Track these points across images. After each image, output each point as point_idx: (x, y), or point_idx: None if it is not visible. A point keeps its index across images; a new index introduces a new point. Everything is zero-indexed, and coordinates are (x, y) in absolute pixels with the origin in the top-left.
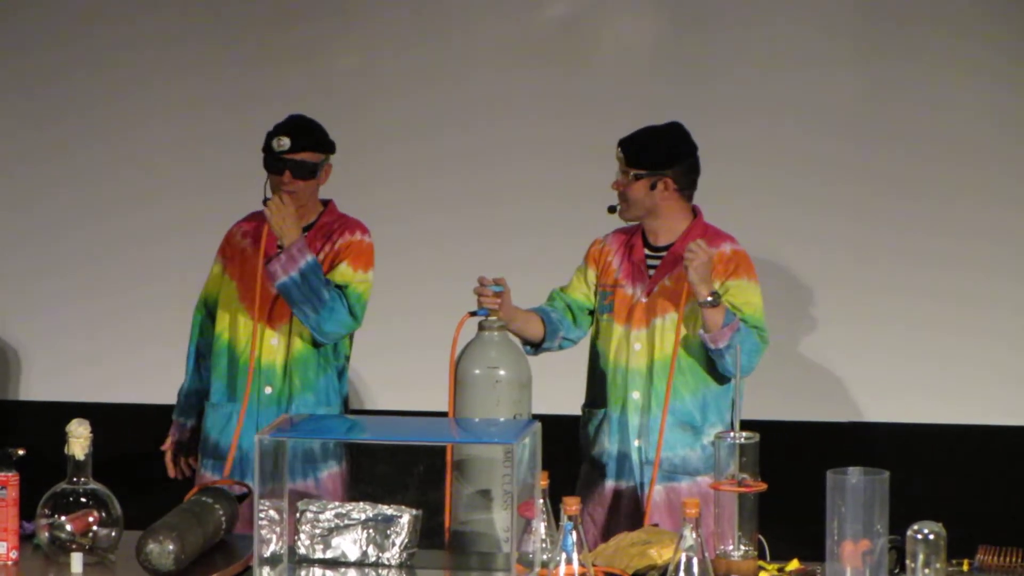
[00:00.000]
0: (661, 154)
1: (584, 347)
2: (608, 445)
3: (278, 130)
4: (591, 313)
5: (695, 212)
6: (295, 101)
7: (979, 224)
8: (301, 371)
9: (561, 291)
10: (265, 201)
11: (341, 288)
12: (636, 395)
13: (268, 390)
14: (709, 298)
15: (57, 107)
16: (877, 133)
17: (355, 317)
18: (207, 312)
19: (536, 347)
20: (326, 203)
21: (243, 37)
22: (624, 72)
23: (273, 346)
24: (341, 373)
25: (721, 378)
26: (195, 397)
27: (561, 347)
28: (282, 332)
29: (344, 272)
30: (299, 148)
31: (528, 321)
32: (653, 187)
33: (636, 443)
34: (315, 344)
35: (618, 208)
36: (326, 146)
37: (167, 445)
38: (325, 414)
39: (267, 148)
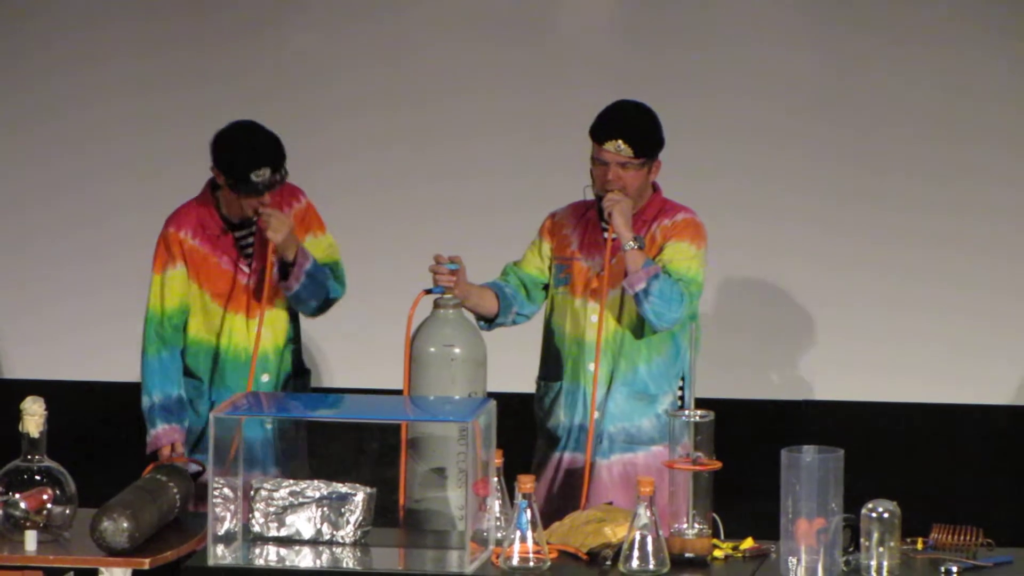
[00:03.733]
0: (660, 138)
1: (540, 324)
2: (564, 417)
3: (252, 162)
4: (545, 288)
5: (654, 187)
6: (252, 77)
7: (940, 199)
8: (287, 352)
9: (514, 266)
10: (257, 213)
11: (331, 267)
12: (593, 367)
13: (265, 378)
14: (633, 243)
15: (10, 85)
16: (841, 106)
17: (344, 286)
18: (184, 318)
19: (490, 322)
20: None
21: (200, 13)
22: (585, 46)
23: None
24: (297, 336)
25: (670, 346)
26: (184, 401)
27: (515, 322)
28: (266, 320)
29: (312, 243)
30: (275, 172)
31: (483, 297)
32: (649, 170)
33: (594, 415)
34: (293, 322)
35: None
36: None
37: (180, 454)
38: (280, 392)
39: (239, 177)
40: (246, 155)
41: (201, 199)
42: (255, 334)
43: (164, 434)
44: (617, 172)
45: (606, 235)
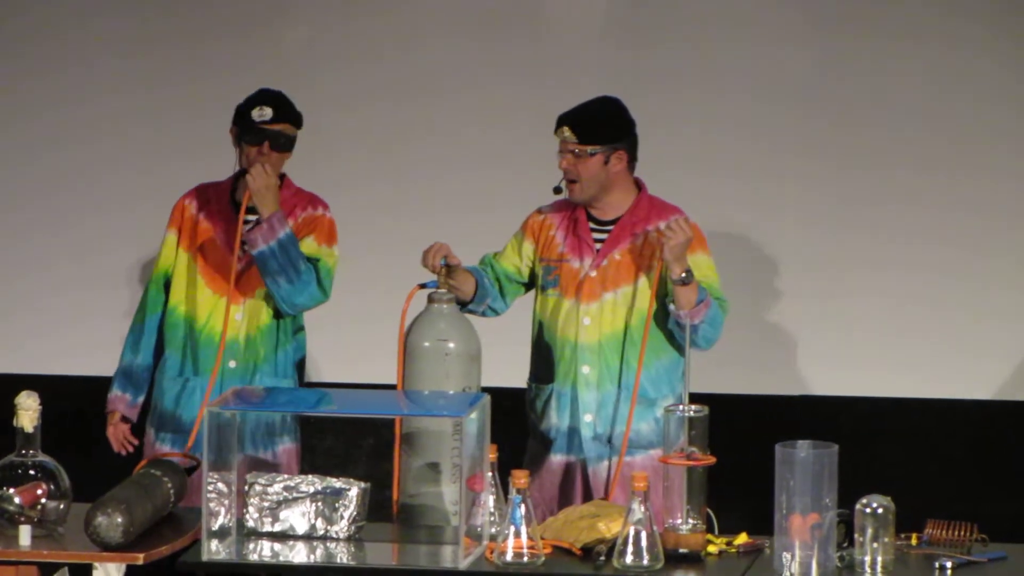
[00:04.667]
0: (614, 127)
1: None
2: (557, 420)
3: (258, 100)
4: (522, 285)
5: (638, 185)
6: (244, 72)
7: (926, 193)
8: (263, 345)
9: (494, 258)
10: (244, 171)
11: (313, 261)
12: (586, 370)
13: (232, 364)
14: (683, 275)
15: (1, 81)
16: (839, 103)
17: (324, 290)
18: (165, 286)
19: (462, 306)
20: (281, 177)
21: (193, 9)
22: (574, 41)
23: (236, 320)
24: (299, 346)
25: (671, 350)
26: (148, 372)
27: (484, 314)
28: (245, 306)
29: (310, 245)
30: (280, 119)
31: (466, 281)
32: (607, 162)
33: (588, 418)
34: (275, 317)
35: (565, 189)
36: (300, 120)
37: (116, 422)
38: (274, 386)
39: (244, 118)
40: (255, 96)
41: (224, 181)
42: (232, 318)
43: (112, 399)
44: (570, 160)
45: (595, 235)
